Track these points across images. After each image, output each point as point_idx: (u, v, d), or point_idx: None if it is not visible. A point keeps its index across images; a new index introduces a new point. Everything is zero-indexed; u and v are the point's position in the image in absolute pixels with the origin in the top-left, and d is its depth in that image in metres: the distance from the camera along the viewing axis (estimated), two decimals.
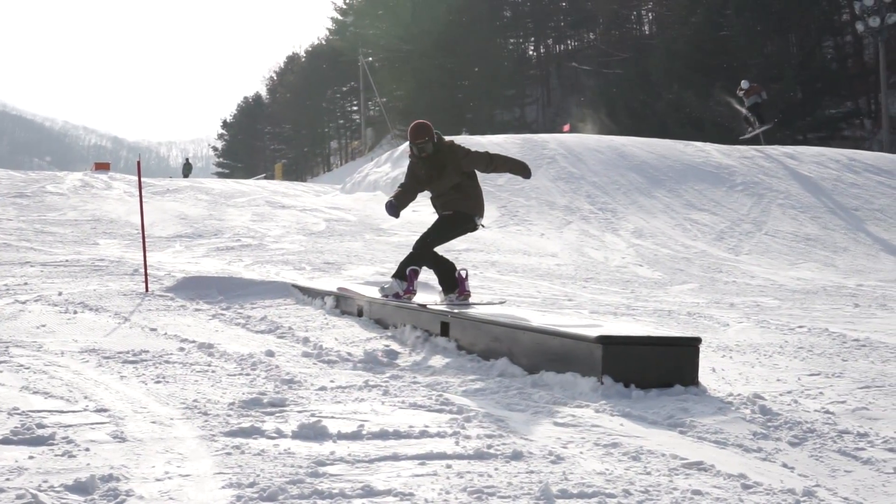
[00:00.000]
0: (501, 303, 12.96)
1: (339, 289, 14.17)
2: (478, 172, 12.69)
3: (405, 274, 12.53)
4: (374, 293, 13.04)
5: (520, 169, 12.56)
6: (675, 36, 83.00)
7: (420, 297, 12.64)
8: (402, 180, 13.13)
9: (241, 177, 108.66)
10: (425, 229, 13.02)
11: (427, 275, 13.32)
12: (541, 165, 34.72)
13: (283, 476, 5.71)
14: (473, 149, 12.92)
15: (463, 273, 12.77)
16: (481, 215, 12.74)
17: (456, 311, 11.38)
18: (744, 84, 42.16)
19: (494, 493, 5.50)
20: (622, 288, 19.95)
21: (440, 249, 13.02)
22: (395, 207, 12.62)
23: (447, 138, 12.72)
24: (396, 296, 12.44)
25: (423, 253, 12.63)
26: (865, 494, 5.84)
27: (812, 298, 19.16)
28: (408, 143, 12.92)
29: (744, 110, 43.53)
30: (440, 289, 12.86)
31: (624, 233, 29.61)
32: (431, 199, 12.87)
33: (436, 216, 12.91)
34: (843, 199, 36.61)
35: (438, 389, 8.67)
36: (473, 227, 12.79)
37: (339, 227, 29.24)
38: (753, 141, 42.29)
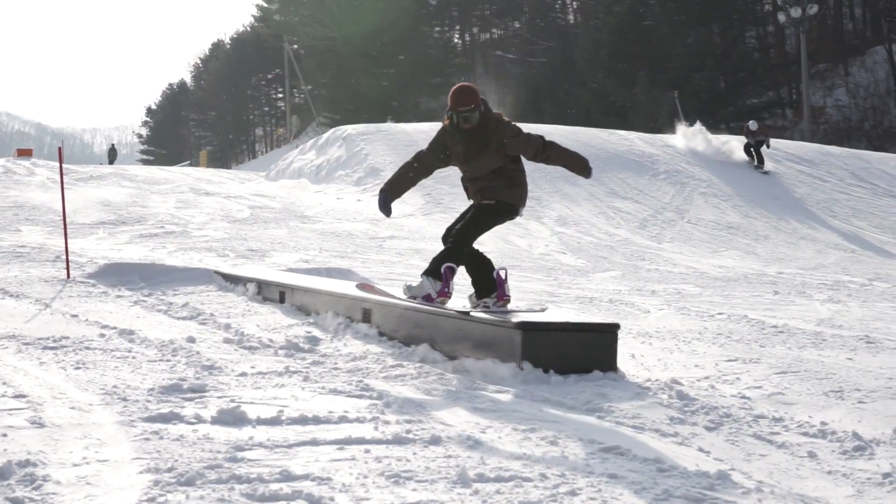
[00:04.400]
0: (543, 310, 10.52)
1: (358, 285, 12.09)
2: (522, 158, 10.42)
3: (440, 272, 10.12)
4: (397, 292, 11.06)
5: (577, 165, 10.40)
6: (600, 25, 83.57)
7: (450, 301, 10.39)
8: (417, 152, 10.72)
9: (166, 164, 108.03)
10: (459, 219, 10.60)
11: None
12: None
13: (202, 461, 5.69)
14: (525, 129, 10.46)
15: (502, 273, 10.36)
16: (524, 205, 10.58)
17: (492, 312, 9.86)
18: (752, 125, 41.35)
19: (412, 478, 5.51)
20: (545, 275, 20.04)
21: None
22: (386, 201, 10.40)
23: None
24: (427, 298, 10.15)
25: (463, 248, 10.26)
26: (779, 478, 5.91)
27: (733, 286, 19.35)
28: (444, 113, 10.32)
29: (743, 146, 42.64)
30: (472, 291, 10.55)
31: (548, 220, 29.76)
32: (463, 179, 10.52)
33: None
34: (765, 187, 37.00)
35: (359, 375, 8.66)
36: (513, 217, 10.65)
37: (263, 214, 29.15)
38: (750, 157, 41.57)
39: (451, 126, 10.14)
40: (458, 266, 10.22)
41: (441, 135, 10.35)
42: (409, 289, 10.34)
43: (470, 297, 10.52)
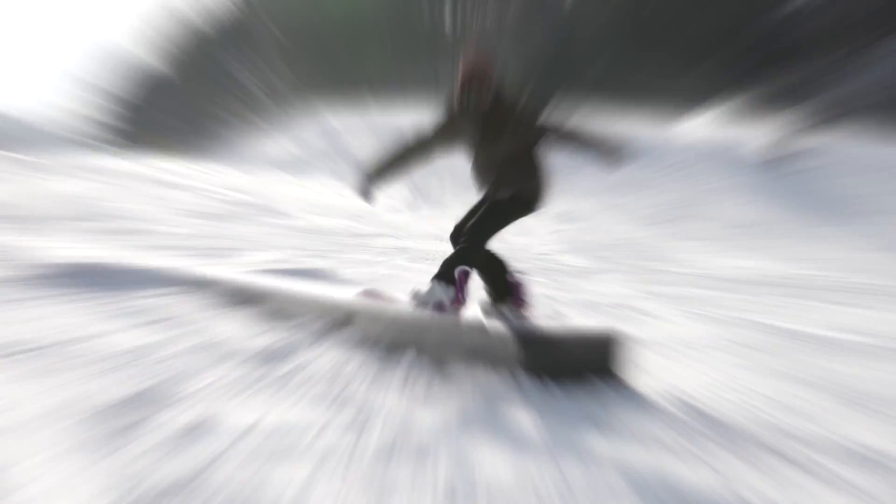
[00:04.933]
0: (564, 319, 10.13)
1: (362, 292, 11.55)
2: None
3: (453, 276, 9.46)
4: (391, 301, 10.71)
5: (607, 151, 9.13)
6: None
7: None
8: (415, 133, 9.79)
9: (133, 153, 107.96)
10: (469, 215, 9.88)
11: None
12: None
13: (169, 476, 5.74)
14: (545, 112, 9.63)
15: (520, 276, 9.99)
16: (544, 197, 9.67)
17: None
18: (779, 119, 41.26)
19: (396, 491, 5.57)
20: (544, 277, 20.06)
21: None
22: (368, 188, 9.68)
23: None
24: (440, 306, 9.54)
25: (479, 248, 9.58)
26: (789, 492, 5.98)
27: (746, 288, 19.38)
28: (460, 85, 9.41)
29: (768, 140, 42.71)
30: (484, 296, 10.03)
31: (546, 217, 29.76)
32: (472, 169, 9.72)
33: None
34: (782, 182, 37.05)
35: (340, 383, 8.72)
36: (531, 213, 9.74)
37: (236, 209, 29.12)
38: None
39: (460, 103, 9.39)
40: (473, 269, 9.61)
41: (450, 115, 9.55)
42: (417, 295, 9.83)
43: (483, 303, 10.10)
